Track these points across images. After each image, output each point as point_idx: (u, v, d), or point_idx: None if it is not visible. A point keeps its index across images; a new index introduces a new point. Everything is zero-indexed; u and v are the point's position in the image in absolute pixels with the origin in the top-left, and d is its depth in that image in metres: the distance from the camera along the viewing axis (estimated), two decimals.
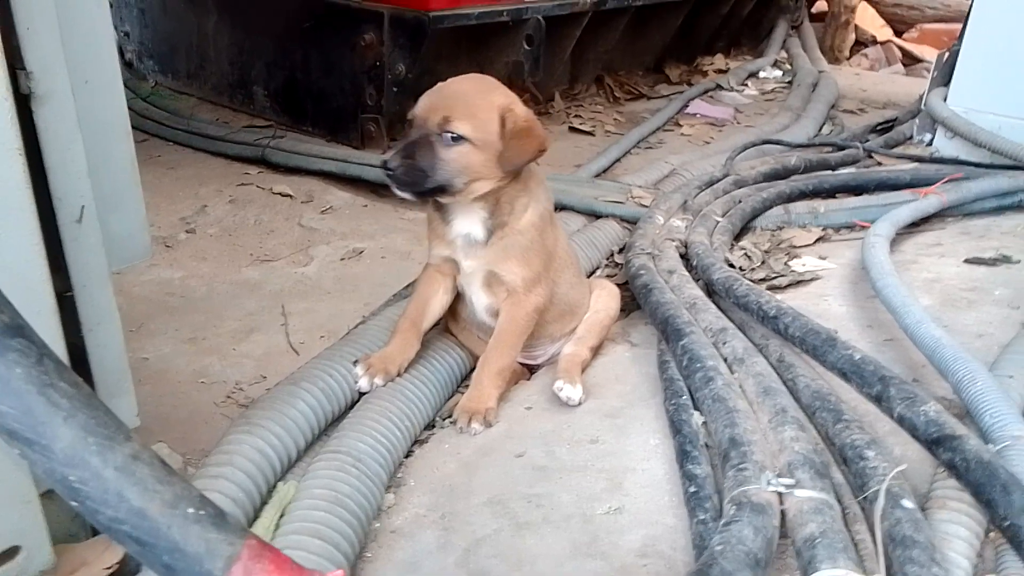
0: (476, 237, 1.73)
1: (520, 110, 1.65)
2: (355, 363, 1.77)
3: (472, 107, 1.59)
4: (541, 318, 1.86)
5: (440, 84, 1.66)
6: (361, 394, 1.74)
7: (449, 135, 1.57)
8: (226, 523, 0.64)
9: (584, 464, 1.58)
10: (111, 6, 4.68)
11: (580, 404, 1.78)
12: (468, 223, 1.72)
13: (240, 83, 4.25)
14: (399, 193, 1.64)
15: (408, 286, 2.42)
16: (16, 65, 1.06)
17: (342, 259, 2.79)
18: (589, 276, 2.60)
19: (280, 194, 3.26)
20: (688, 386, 1.68)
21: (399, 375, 1.79)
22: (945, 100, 3.75)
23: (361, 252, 2.84)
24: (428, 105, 1.61)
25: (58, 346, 1.19)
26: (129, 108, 4.19)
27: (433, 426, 1.83)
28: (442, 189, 1.62)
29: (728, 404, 1.51)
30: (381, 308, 2.31)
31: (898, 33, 6.81)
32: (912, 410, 1.33)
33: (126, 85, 4.50)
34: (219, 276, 2.63)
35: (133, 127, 4.15)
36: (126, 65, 4.82)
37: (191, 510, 0.62)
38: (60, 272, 1.23)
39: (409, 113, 1.65)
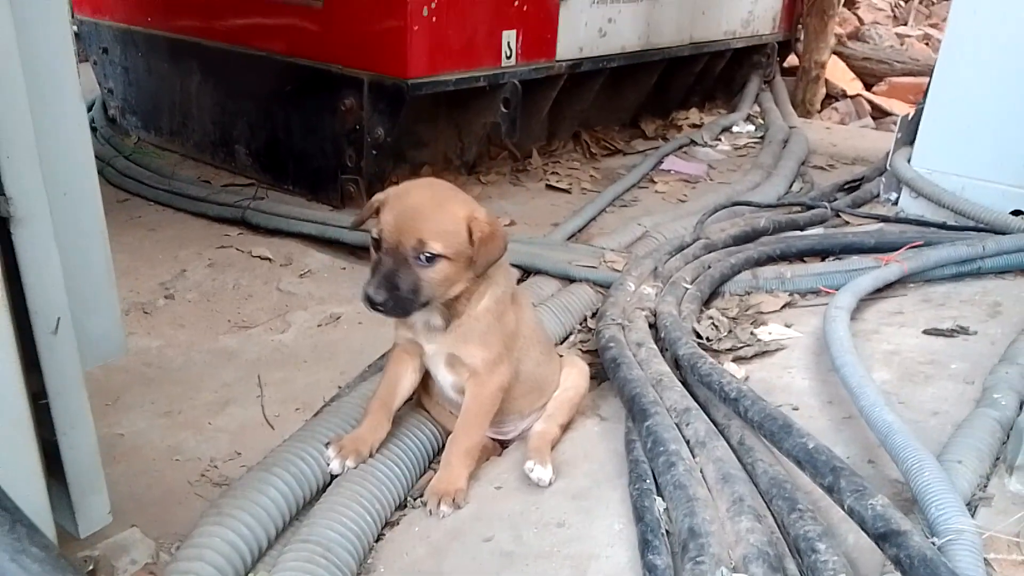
0: (435, 324, 1.79)
1: (481, 215, 1.70)
2: (327, 445, 1.80)
3: (440, 223, 1.64)
4: (508, 395, 1.90)
5: (397, 196, 1.68)
6: (333, 476, 1.78)
7: (425, 256, 1.62)
8: None
9: (550, 550, 1.62)
10: (95, 63, 4.76)
11: (550, 484, 1.82)
12: (426, 313, 1.77)
13: (222, 141, 4.31)
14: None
15: (383, 356, 2.46)
16: None
17: (319, 325, 2.83)
18: (563, 341, 2.67)
19: (259, 257, 3.30)
20: (652, 469, 1.73)
21: (371, 455, 1.83)
22: (909, 160, 3.88)
23: (339, 317, 2.89)
24: (395, 227, 1.63)
25: (32, 448, 1.23)
26: (111, 166, 4.23)
27: (405, 505, 1.86)
28: (426, 304, 1.69)
29: (688, 492, 1.56)
30: (356, 380, 2.35)
31: (868, 87, 7.01)
32: (860, 503, 1.38)
33: (108, 141, 4.62)
34: (196, 344, 2.66)
35: (114, 185, 4.17)
36: (109, 121, 4.88)
37: None
38: (36, 376, 1.27)
39: (374, 231, 1.68)
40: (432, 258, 1.63)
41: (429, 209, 1.66)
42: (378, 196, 1.73)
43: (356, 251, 3.41)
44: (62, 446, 1.31)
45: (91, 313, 1.39)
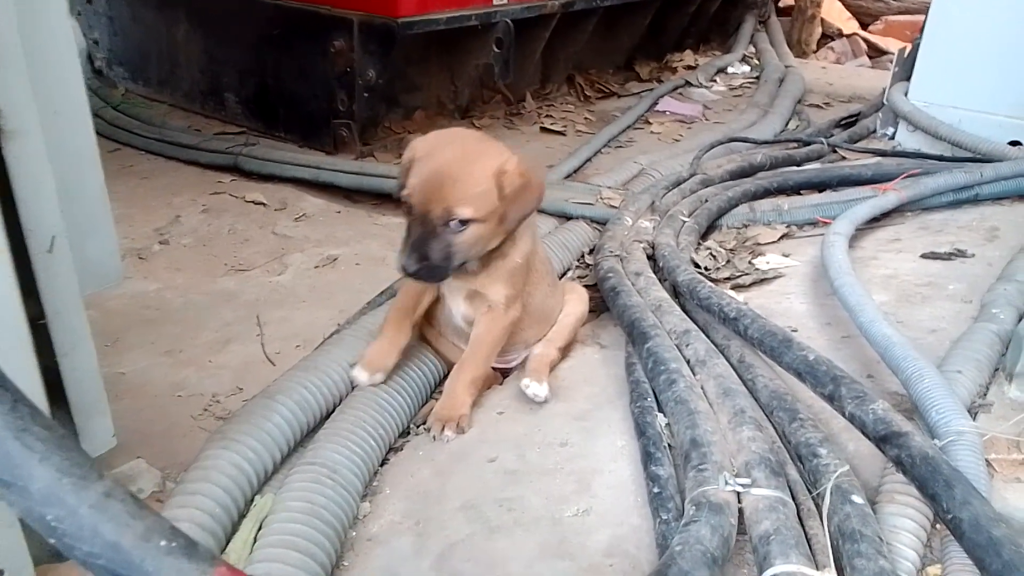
0: (470, 268, 1.76)
1: (512, 167, 1.62)
2: (352, 365, 1.83)
3: (467, 186, 1.56)
4: (516, 327, 1.91)
5: (424, 157, 1.60)
6: (336, 405, 1.79)
7: (455, 223, 1.57)
8: (197, 552, 0.68)
9: (554, 467, 1.63)
10: (79, 14, 4.66)
11: (546, 401, 1.84)
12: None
13: (212, 90, 4.25)
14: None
15: (382, 293, 2.46)
16: None
17: (316, 267, 2.82)
18: (561, 277, 2.67)
19: (253, 202, 3.28)
20: (653, 388, 1.74)
21: (395, 367, 1.87)
22: (907, 95, 3.85)
23: (335, 259, 2.87)
24: (423, 194, 1.57)
25: (33, 372, 1.23)
26: (99, 117, 4.18)
27: (408, 433, 1.88)
28: (461, 266, 1.68)
29: (690, 406, 1.57)
30: (356, 317, 2.35)
31: (864, 26, 6.91)
32: (861, 408, 1.39)
33: (96, 93, 4.54)
34: (194, 287, 2.65)
35: (104, 136, 4.14)
36: (95, 73, 4.80)
37: (163, 542, 0.66)
38: (33, 299, 1.26)
39: (403, 195, 1.61)
40: (464, 223, 1.57)
41: (456, 170, 1.56)
42: (407, 153, 1.66)
43: (351, 195, 3.38)
44: (63, 368, 1.31)
45: (86, 236, 1.37)
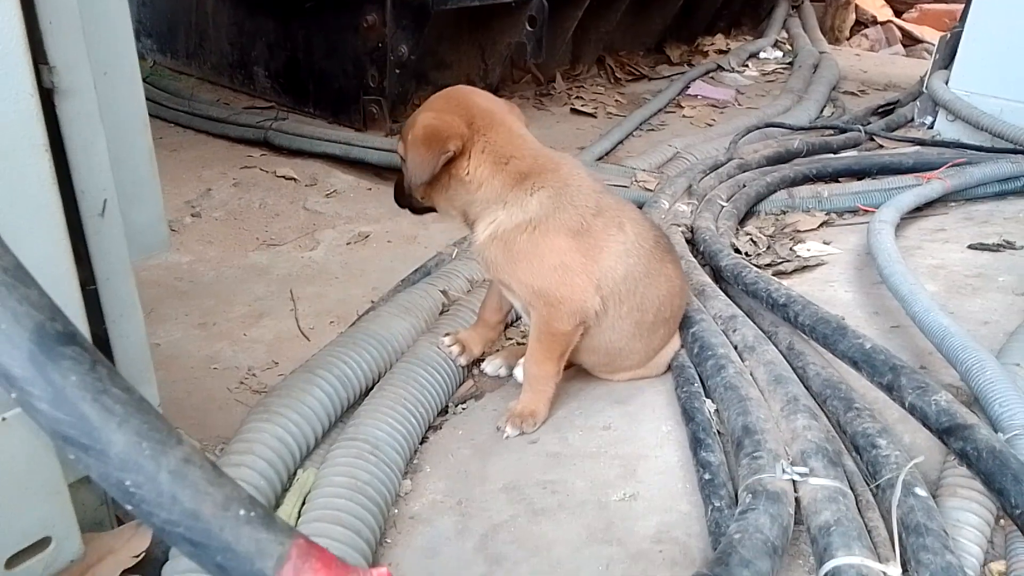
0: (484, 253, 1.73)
1: (421, 122, 1.55)
2: (446, 335, 1.89)
3: (410, 125, 1.58)
4: (576, 347, 1.74)
5: None
6: (376, 381, 1.76)
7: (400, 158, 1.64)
8: (275, 523, 0.65)
9: (597, 451, 1.60)
10: None
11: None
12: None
13: (241, 63, 4.21)
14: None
15: (416, 271, 2.43)
16: (39, 60, 1.06)
17: (348, 243, 2.80)
18: None
19: (284, 177, 3.25)
20: (699, 374, 1.70)
21: (480, 356, 1.92)
22: (947, 83, 3.76)
23: (367, 236, 2.85)
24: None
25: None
26: None
27: (447, 411, 1.85)
28: (429, 208, 1.72)
29: (740, 392, 1.53)
30: (389, 294, 2.32)
31: (898, 13, 6.78)
32: (923, 399, 1.35)
33: None
34: (226, 260, 2.64)
35: None
36: None
37: (242, 511, 0.64)
38: (83, 264, 1.23)
39: None
40: (402, 161, 1.61)
41: (420, 109, 1.62)
42: None
43: (381, 172, 3.35)
44: (112, 335, 1.29)
45: (134, 202, 1.34)
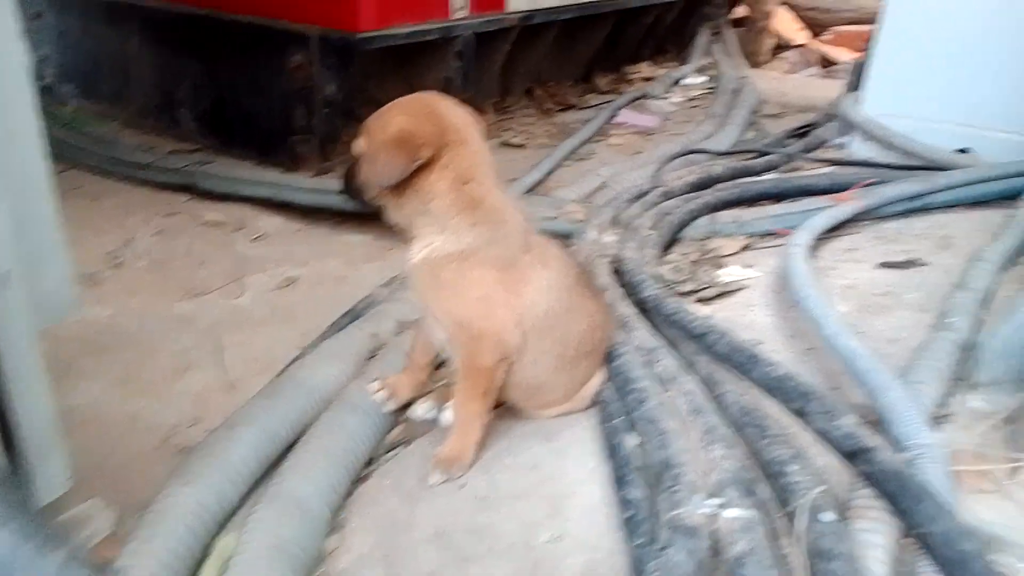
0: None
1: (396, 124, 1.53)
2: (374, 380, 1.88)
3: (375, 122, 1.57)
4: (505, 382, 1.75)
5: None
6: (302, 432, 1.74)
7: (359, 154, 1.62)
8: None
9: (525, 492, 1.61)
10: (27, 31, 4.53)
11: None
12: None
13: (166, 106, 4.15)
14: None
15: (345, 314, 2.42)
16: None
17: (276, 288, 2.77)
18: None
19: (211, 222, 3.21)
20: (623, 406, 1.73)
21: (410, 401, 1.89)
22: (859, 105, 3.93)
23: (296, 279, 2.82)
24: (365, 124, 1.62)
25: None
26: (49, 135, 4.03)
27: (373, 461, 1.84)
28: (371, 205, 1.67)
29: (660, 425, 1.57)
30: (318, 339, 2.30)
31: (815, 35, 7.06)
32: (830, 424, 1.41)
33: (45, 110, 4.39)
34: (150, 311, 2.58)
35: (53, 156, 4.00)
36: (44, 90, 4.66)
37: None
38: None
39: None
40: (357, 155, 1.60)
41: (380, 111, 1.59)
42: None
43: (310, 213, 3.33)
44: (16, 407, 1.25)
45: (41, 268, 1.32)
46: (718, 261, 2.73)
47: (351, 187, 1.67)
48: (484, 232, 1.59)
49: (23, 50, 1.27)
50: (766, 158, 3.70)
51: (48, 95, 4.61)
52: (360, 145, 1.60)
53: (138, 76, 4.22)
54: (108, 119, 4.40)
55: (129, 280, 2.77)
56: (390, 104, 1.61)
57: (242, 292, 2.73)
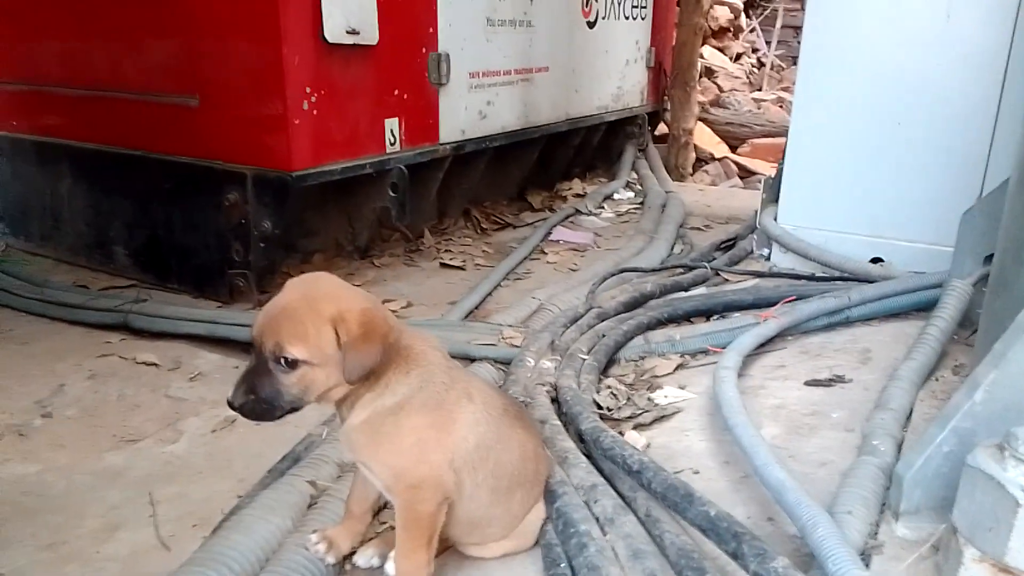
0: (348, 418, 1.69)
1: (352, 315, 1.52)
2: (313, 532, 1.82)
3: (302, 325, 1.48)
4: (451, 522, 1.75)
5: (273, 299, 1.57)
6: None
7: (283, 360, 1.49)
8: None
9: None
10: None
11: None
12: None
13: (98, 243, 4.14)
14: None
15: (284, 459, 2.38)
16: None
17: (213, 431, 2.71)
18: None
19: (145, 363, 3.16)
20: (565, 551, 1.74)
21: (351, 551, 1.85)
22: (776, 218, 4.16)
23: (234, 420, 2.77)
24: (260, 328, 1.52)
25: None
26: None
27: None
28: (294, 409, 1.58)
29: (601, 573, 1.58)
30: (257, 488, 2.25)
31: (732, 148, 7.53)
32: (764, 567, 1.44)
33: None
34: (79, 465, 2.49)
35: None
36: None
37: None
38: None
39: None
40: (292, 363, 1.49)
41: (294, 308, 1.50)
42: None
43: (249, 348, 3.30)
44: None
45: None
46: (654, 382, 2.81)
47: (261, 398, 1.53)
48: (415, 378, 1.62)
49: None
50: (694, 272, 3.87)
51: None
52: (291, 352, 1.49)
53: (70, 215, 4.22)
54: (39, 258, 4.35)
55: (58, 431, 2.69)
56: (301, 292, 1.55)
57: (177, 437, 2.67)
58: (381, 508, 2.14)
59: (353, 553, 1.90)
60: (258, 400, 1.53)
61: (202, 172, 3.62)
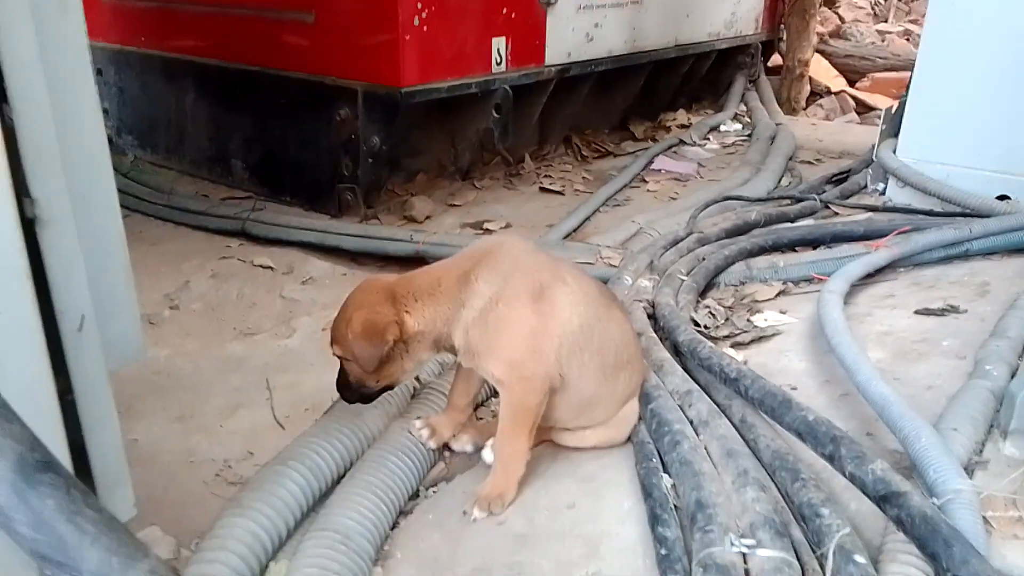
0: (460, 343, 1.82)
1: (358, 319, 1.70)
2: (417, 418, 1.99)
3: (339, 329, 1.75)
4: (556, 406, 1.84)
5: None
6: (348, 468, 1.82)
7: (340, 358, 1.79)
8: None
9: (562, 530, 1.66)
10: None
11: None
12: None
13: (219, 157, 4.37)
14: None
15: None
16: (22, 193, 1.16)
17: (324, 329, 2.87)
18: None
19: (261, 266, 3.35)
20: (657, 449, 1.78)
21: (450, 440, 1.99)
22: (895, 151, 3.95)
23: None
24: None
25: (61, 446, 1.27)
26: None
27: (417, 495, 1.90)
28: (384, 388, 1.83)
29: (694, 467, 1.61)
30: None
31: (851, 83, 7.11)
32: (861, 468, 1.43)
33: None
34: (204, 352, 2.71)
35: None
36: None
37: None
38: (62, 375, 1.31)
39: None
40: (340, 359, 1.77)
41: (338, 316, 1.78)
42: None
43: (357, 257, 3.46)
44: (88, 443, 1.36)
45: (111, 315, 1.43)
46: (753, 307, 2.77)
47: (349, 392, 1.84)
48: (498, 274, 1.71)
49: (101, 120, 1.40)
50: (801, 204, 3.74)
51: (109, 147, 4.87)
52: (336, 352, 1.78)
53: (193, 130, 4.45)
54: (164, 170, 4.63)
55: (185, 322, 2.91)
56: (343, 305, 1.79)
57: (291, 333, 2.85)
58: (481, 404, 2.24)
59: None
60: (352, 390, 1.83)
61: (315, 88, 3.74)
